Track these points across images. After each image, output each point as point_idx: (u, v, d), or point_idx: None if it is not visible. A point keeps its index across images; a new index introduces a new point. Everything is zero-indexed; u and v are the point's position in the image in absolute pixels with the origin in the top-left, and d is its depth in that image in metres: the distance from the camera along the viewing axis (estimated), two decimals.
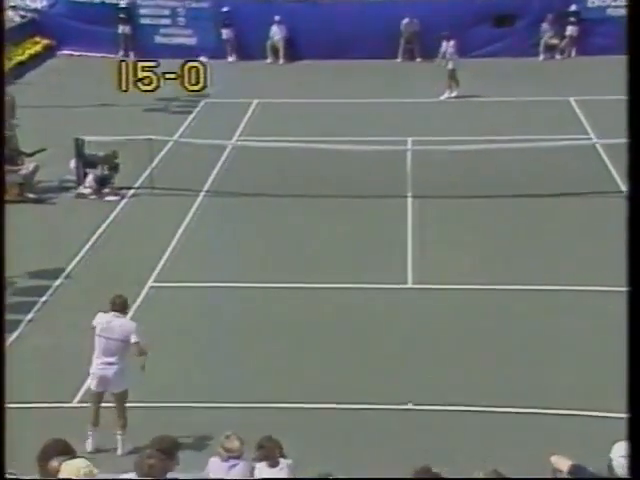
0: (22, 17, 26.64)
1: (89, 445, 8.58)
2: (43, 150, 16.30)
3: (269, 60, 26.15)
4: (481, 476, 5.35)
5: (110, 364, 8.60)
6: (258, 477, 6.74)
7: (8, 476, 6.18)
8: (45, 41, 26.41)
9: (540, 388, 9.85)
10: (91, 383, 8.82)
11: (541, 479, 5.78)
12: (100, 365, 8.64)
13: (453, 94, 21.84)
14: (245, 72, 24.68)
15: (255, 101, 21.51)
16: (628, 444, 3.59)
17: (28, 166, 16.00)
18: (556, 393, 9.71)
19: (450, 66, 21.81)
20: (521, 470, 6.42)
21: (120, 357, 8.62)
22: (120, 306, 8.82)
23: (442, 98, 21.72)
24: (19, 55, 24.80)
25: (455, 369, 10.28)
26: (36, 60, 25.39)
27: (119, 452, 8.65)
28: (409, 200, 15.22)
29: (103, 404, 8.86)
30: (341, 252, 13.43)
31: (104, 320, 8.73)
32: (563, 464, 6.03)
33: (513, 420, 9.29)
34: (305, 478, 6.26)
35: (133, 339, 8.59)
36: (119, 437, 8.69)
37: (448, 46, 21.86)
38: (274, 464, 6.78)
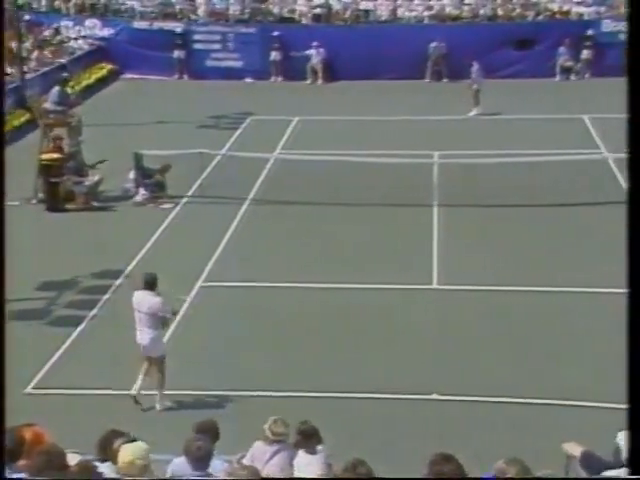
0: (90, 45, 27.08)
1: (136, 386, 9.24)
2: (103, 161, 16.44)
3: (309, 81, 26.22)
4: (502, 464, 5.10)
5: (144, 333, 9.20)
6: (297, 462, 6.72)
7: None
8: (110, 66, 26.74)
9: (555, 382, 9.71)
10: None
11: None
12: (138, 334, 9.27)
13: (474, 112, 21.78)
14: (287, 92, 24.76)
15: (296, 118, 21.57)
16: (628, 435, 3.54)
17: (93, 177, 16.27)
18: (572, 387, 9.50)
19: (475, 87, 21.79)
20: (536, 457, 6.33)
21: (152, 327, 9.17)
22: (149, 284, 9.26)
23: (470, 115, 21.63)
24: (86, 79, 25.16)
25: (476, 363, 10.20)
26: (102, 83, 25.71)
27: (158, 408, 9.15)
28: (435, 208, 15.17)
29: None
30: (372, 255, 13.38)
31: (138, 297, 9.29)
32: (575, 450, 5.97)
33: (531, 411, 9.18)
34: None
35: (160, 314, 9.20)
36: (157, 396, 9.18)
37: (474, 69, 21.83)
38: (312, 451, 6.77)
